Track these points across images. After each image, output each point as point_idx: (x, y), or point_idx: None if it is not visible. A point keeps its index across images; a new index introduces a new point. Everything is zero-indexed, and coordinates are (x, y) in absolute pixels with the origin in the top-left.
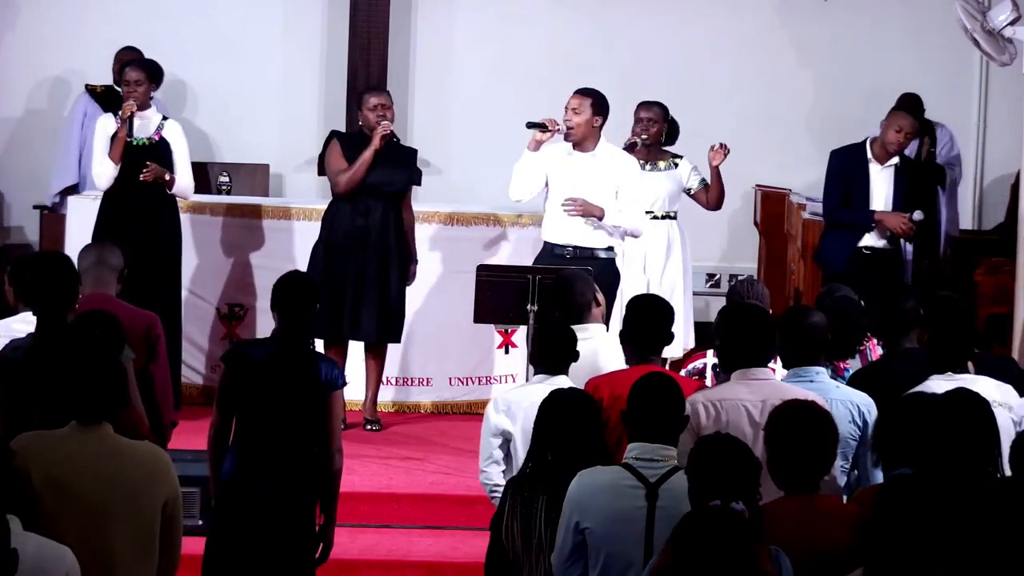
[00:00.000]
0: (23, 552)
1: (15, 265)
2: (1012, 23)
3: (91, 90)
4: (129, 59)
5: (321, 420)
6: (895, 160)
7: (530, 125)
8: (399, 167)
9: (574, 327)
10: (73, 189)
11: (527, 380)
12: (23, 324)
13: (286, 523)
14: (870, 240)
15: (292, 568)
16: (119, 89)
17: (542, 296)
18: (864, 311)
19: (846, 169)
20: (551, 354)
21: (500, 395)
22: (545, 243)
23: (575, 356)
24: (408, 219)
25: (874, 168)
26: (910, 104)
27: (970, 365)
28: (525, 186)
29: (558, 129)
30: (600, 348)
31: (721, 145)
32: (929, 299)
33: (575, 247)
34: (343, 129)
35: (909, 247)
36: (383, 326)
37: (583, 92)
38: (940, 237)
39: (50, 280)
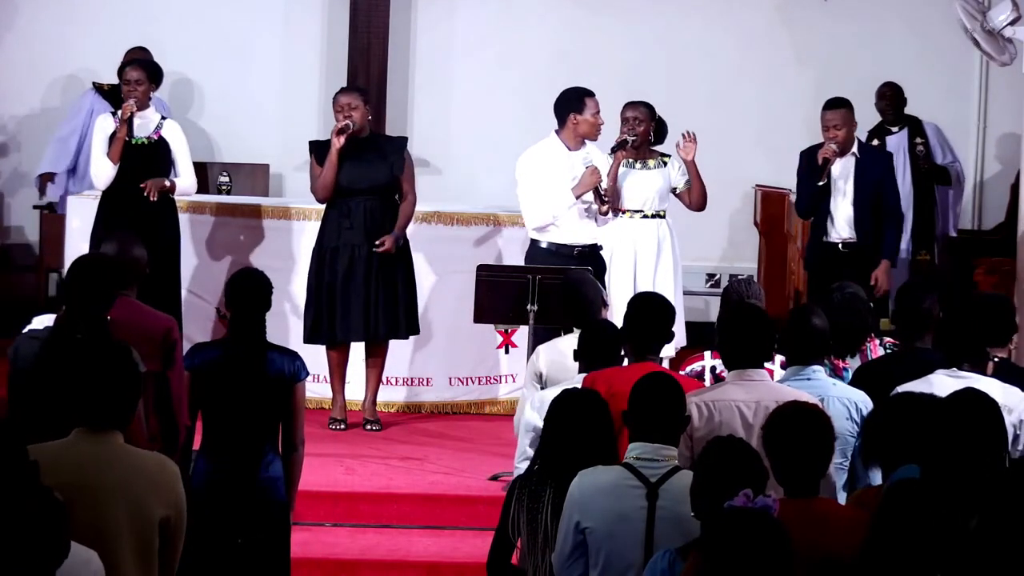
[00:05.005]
0: None
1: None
2: (1012, 23)
3: (99, 88)
4: (133, 59)
5: (286, 413)
6: (854, 150)
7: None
8: (376, 162)
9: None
10: (51, 176)
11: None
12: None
13: (257, 521)
14: (837, 235)
15: (265, 565)
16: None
17: (542, 296)
18: (871, 310)
19: (811, 166)
20: (600, 352)
21: (538, 394)
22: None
23: (620, 355)
24: (405, 203)
25: (836, 165)
26: (889, 95)
27: (989, 366)
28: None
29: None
30: None
31: (685, 135)
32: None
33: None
34: None
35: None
36: (374, 325)
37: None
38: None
39: (79, 282)
